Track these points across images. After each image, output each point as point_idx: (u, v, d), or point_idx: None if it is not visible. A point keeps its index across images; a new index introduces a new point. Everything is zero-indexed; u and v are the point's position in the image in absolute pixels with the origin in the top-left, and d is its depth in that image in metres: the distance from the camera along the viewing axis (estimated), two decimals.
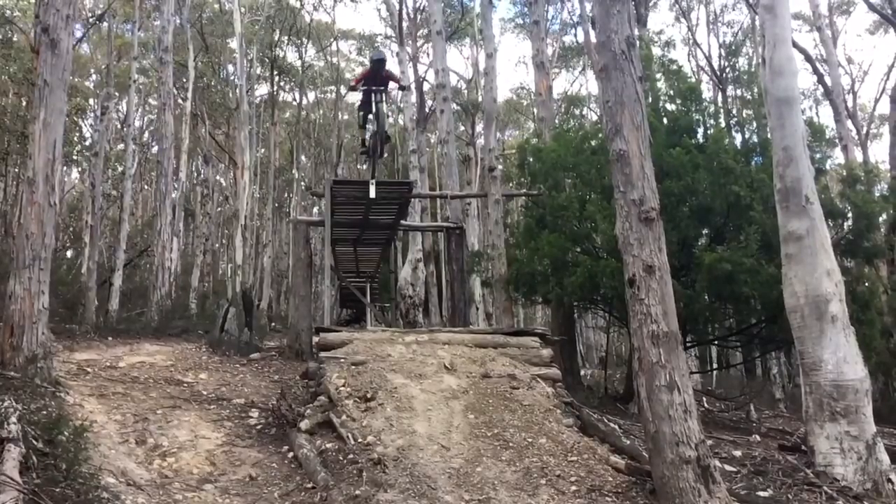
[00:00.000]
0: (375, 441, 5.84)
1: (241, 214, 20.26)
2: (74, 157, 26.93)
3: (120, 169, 26.56)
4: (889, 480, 5.94)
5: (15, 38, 21.12)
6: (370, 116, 11.92)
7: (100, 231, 20.48)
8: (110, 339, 11.44)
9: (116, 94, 22.90)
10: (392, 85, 12.27)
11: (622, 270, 5.27)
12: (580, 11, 20.81)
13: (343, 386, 6.82)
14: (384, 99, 11.65)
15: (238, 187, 21.63)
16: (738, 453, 7.10)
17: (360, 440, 5.91)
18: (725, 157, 9.84)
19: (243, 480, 5.53)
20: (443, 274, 18.01)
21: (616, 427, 7.16)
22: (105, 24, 22.80)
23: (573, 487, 5.34)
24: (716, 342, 13.46)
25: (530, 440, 6.02)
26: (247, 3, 26.31)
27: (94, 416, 6.22)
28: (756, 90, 11.27)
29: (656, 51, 13.43)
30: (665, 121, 11.04)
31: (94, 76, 30.05)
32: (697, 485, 4.63)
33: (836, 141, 17.55)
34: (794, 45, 9.26)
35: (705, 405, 12.80)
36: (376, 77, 11.23)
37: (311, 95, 35.24)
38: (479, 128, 26.64)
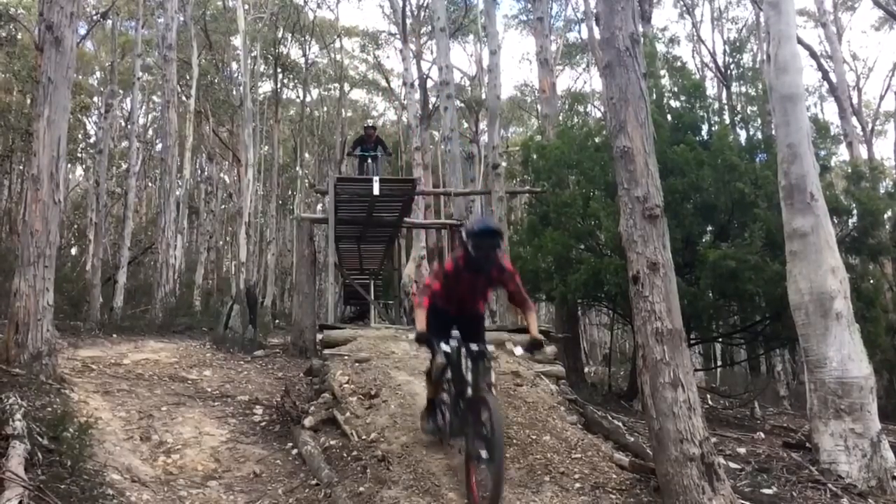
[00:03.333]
0: (379, 438, 5.84)
1: (244, 212, 20.29)
2: (79, 155, 27.02)
3: (124, 166, 26.64)
4: (894, 478, 5.93)
5: (19, 36, 21.18)
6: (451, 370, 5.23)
7: (104, 228, 20.53)
8: (115, 336, 11.47)
9: (120, 91, 22.91)
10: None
11: (626, 268, 5.25)
12: (584, 8, 20.80)
13: (347, 383, 6.83)
14: (484, 355, 4.98)
15: (242, 184, 21.66)
16: (742, 450, 7.09)
17: (363, 437, 5.91)
18: (730, 154, 9.82)
19: (247, 477, 5.54)
20: None
21: (620, 424, 7.16)
22: (109, 21, 22.86)
23: (577, 485, 5.33)
24: (720, 339, 13.44)
25: (534, 437, 6.01)
26: (250, 0, 26.32)
27: (98, 413, 6.24)
28: (760, 87, 11.24)
29: (660, 47, 13.39)
30: (669, 118, 11.02)
31: (97, 74, 30.16)
32: (701, 482, 4.62)
33: (841, 138, 17.53)
34: (799, 41, 9.25)
35: (709, 402, 12.79)
36: (475, 268, 5.17)
37: (315, 92, 35.30)
38: (483, 125, 26.70)
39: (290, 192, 37.23)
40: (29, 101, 21.63)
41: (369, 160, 13.72)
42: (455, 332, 5.04)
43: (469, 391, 4.93)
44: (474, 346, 4.96)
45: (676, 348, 4.88)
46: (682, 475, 4.66)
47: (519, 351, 5.08)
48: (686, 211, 9.93)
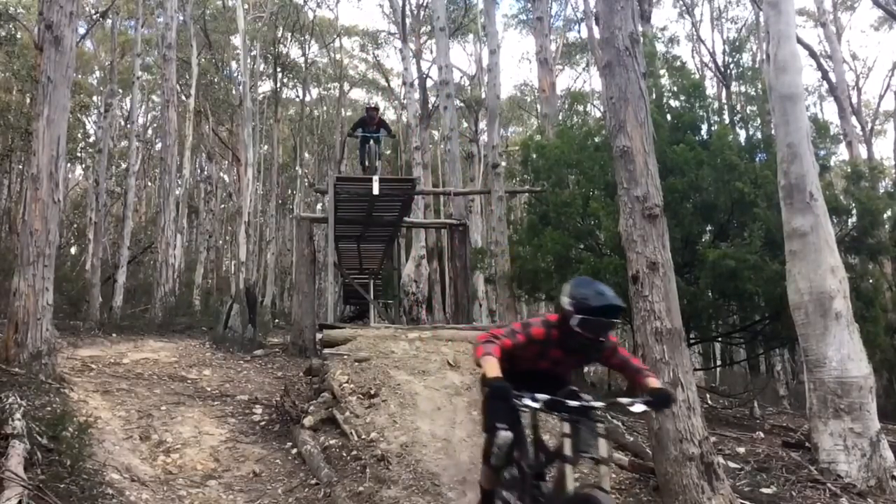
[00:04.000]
0: (379, 437, 5.85)
1: (244, 211, 20.29)
2: (78, 154, 26.97)
3: (123, 166, 26.63)
4: (893, 477, 5.92)
5: (19, 35, 21.15)
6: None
7: (103, 228, 20.52)
8: (114, 335, 11.47)
9: (120, 91, 22.89)
10: None
11: (625, 267, 5.26)
12: (584, 7, 20.81)
13: (346, 382, 6.83)
14: (587, 414, 3.50)
15: (241, 184, 21.68)
16: (741, 450, 7.09)
17: (363, 437, 5.92)
18: (729, 154, 9.81)
19: (247, 476, 5.54)
20: (446, 271, 18.01)
21: (619, 424, 7.16)
22: (108, 20, 22.83)
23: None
24: (719, 339, 13.43)
25: None
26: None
27: (98, 413, 6.24)
28: (760, 86, 11.23)
29: (660, 47, 13.40)
30: (669, 117, 11.01)
31: (97, 73, 30.15)
32: (701, 481, 4.62)
33: (841, 137, 17.52)
34: (799, 41, 9.24)
35: (709, 402, 12.77)
36: (573, 348, 3.69)
37: (315, 92, 35.34)
38: (483, 124, 26.66)
39: (289, 192, 37.21)
40: (28, 100, 21.61)
41: (371, 142, 13.59)
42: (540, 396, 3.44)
43: (566, 478, 3.33)
44: (573, 402, 3.39)
45: (676, 348, 4.89)
46: (682, 475, 4.66)
47: (640, 408, 3.61)
48: (686, 210, 9.92)
